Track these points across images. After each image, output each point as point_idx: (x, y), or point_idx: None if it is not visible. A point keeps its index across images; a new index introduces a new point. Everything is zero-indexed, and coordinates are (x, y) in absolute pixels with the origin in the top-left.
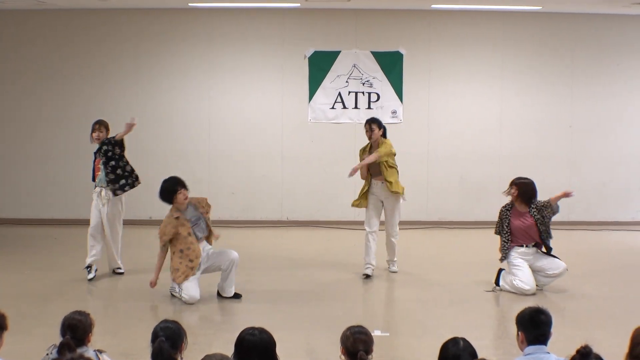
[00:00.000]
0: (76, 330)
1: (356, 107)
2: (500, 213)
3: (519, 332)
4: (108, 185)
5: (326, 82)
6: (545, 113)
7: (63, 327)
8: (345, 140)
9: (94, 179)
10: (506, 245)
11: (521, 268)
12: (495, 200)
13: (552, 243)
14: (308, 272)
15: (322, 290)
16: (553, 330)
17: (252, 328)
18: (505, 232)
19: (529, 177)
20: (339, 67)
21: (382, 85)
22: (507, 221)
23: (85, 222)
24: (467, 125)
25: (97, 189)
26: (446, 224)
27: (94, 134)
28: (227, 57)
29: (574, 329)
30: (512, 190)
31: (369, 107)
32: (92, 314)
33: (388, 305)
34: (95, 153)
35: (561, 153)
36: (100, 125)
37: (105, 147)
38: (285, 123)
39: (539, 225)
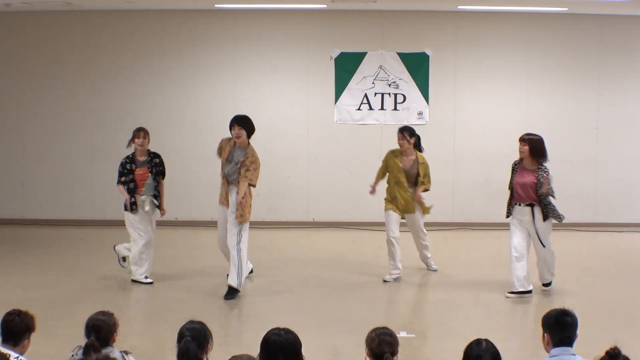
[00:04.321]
0: (100, 330)
1: (382, 108)
2: (511, 169)
3: (545, 334)
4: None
5: (352, 84)
6: (571, 114)
7: (87, 328)
8: (372, 142)
9: (135, 189)
10: (510, 202)
11: (514, 233)
12: None
13: (575, 244)
14: (334, 273)
15: (347, 291)
16: (578, 332)
17: (278, 328)
18: (510, 187)
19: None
20: (365, 69)
21: (409, 86)
22: (512, 176)
23: (111, 223)
24: (493, 127)
25: (144, 197)
26: (472, 225)
27: (138, 140)
28: (252, 59)
29: (599, 330)
30: (522, 147)
31: (395, 109)
32: (118, 315)
33: (414, 306)
34: (132, 162)
35: (587, 154)
36: (146, 133)
37: (157, 161)
38: (311, 124)
39: (538, 186)
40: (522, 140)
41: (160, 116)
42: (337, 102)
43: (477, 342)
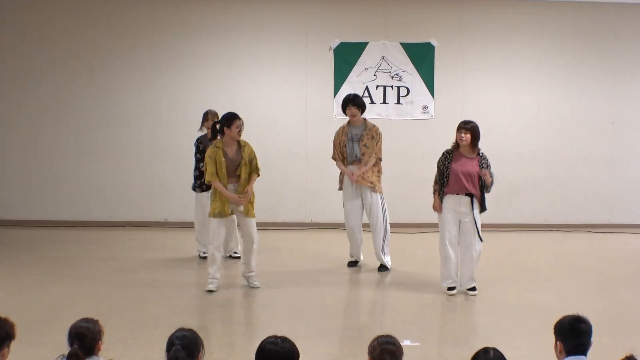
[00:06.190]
0: (84, 338)
1: (384, 102)
2: (439, 161)
3: (557, 342)
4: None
5: (352, 76)
6: (585, 109)
7: (70, 336)
8: None
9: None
10: (442, 191)
11: (445, 223)
12: (529, 201)
13: (590, 246)
14: (333, 277)
15: (348, 297)
16: (593, 339)
17: (274, 337)
18: (444, 177)
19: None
20: (366, 60)
21: (412, 78)
22: (447, 167)
23: (95, 224)
24: (502, 122)
25: None
26: None
27: (207, 124)
28: (246, 50)
29: (614, 337)
30: (464, 136)
31: (399, 102)
32: (104, 321)
33: (418, 312)
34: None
35: (602, 151)
36: (214, 115)
37: None
38: (309, 119)
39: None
40: (463, 128)
41: (151, 111)
42: (337, 96)
43: (485, 351)
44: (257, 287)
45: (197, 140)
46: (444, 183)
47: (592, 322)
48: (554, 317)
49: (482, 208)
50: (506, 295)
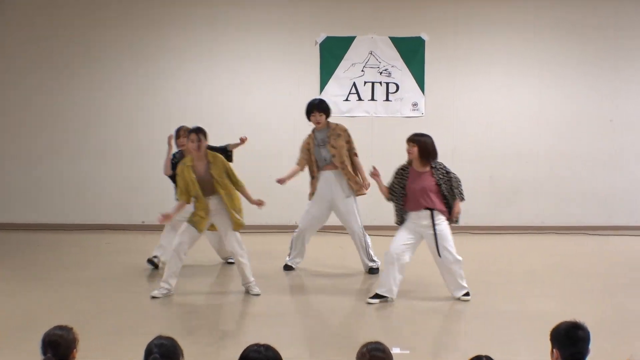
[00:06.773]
0: (58, 347)
1: (373, 99)
2: (395, 174)
3: (554, 349)
4: None
5: (339, 71)
6: (583, 106)
7: (43, 344)
8: (361, 136)
9: None
10: (400, 209)
11: (398, 234)
12: (529, 203)
13: (587, 249)
14: (319, 283)
15: (335, 303)
16: (591, 346)
17: (258, 345)
18: (399, 195)
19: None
20: (353, 55)
21: (402, 74)
22: (404, 183)
23: (71, 227)
24: (498, 120)
25: None
26: (473, 229)
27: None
28: (229, 45)
29: (614, 343)
30: (410, 149)
31: (387, 99)
32: (79, 329)
33: (408, 319)
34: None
35: (603, 150)
36: (186, 131)
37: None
38: (294, 117)
39: (441, 186)
40: (410, 141)
41: (129, 111)
42: (323, 92)
43: (477, 359)
44: (258, 294)
45: (173, 155)
46: (399, 201)
47: (590, 327)
48: (551, 323)
49: (452, 219)
50: (501, 300)
